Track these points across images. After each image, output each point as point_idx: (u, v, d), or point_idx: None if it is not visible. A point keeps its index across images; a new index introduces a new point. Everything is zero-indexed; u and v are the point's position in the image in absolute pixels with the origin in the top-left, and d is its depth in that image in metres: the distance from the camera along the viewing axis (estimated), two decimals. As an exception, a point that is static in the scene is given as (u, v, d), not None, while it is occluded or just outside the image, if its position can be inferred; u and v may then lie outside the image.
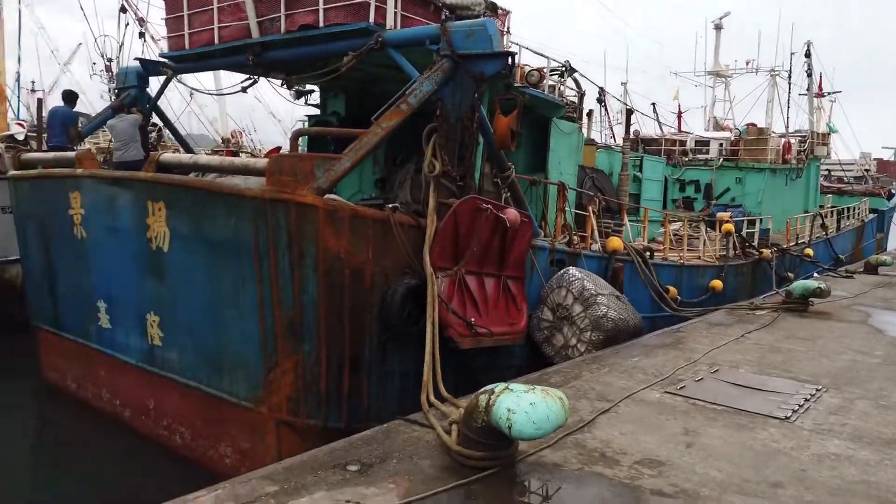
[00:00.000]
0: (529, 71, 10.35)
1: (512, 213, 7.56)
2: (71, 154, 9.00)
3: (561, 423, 4.23)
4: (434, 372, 6.00)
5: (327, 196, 6.49)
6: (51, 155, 9.67)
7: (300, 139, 9.39)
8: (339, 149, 9.45)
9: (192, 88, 10.15)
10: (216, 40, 9.12)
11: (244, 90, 9.67)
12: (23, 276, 10.93)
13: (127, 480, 7.68)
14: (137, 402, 8.36)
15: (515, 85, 8.61)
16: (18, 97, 26.82)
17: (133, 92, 10.47)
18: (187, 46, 9.46)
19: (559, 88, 11.91)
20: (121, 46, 30.40)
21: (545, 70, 10.68)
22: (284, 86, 10.85)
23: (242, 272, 6.64)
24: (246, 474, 4.36)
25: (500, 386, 4.36)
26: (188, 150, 11.99)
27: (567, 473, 4.45)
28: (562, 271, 8.93)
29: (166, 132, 17.34)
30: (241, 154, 25.13)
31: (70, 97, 10.95)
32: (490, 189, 8.91)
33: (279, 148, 16.96)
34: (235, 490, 4.05)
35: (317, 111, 12.58)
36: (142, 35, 27.84)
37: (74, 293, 9.08)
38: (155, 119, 12.02)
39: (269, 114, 40.60)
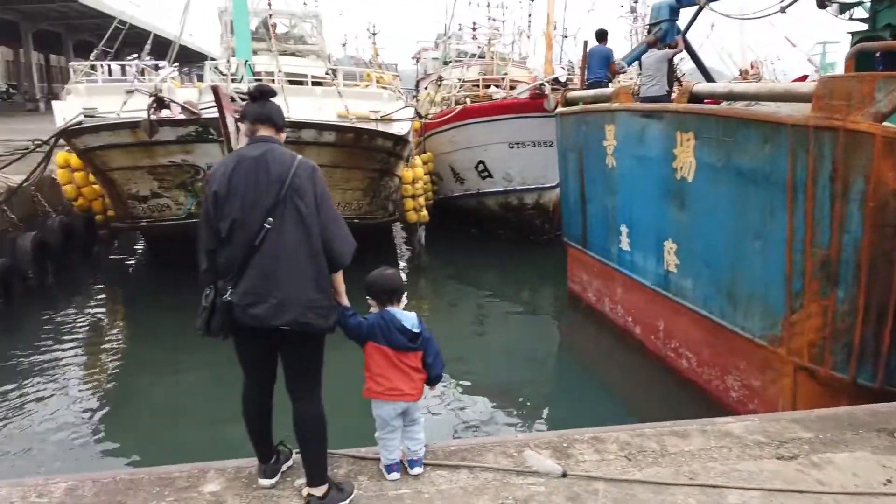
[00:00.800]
0: None
1: None
2: (608, 90, 9.87)
3: None
4: None
5: (885, 123, 5.53)
6: (591, 92, 10.79)
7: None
8: (889, 69, 7.92)
9: (725, 15, 9.78)
10: (756, -43, 8.58)
11: (783, 10, 8.86)
12: (559, 199, 12.77)
13: (635, 394, 8.44)
14: (648, 321, 8.98)
15: None
16: (561, 44, 30.31)
17: (664, 26, 10.72)
18: (722, -30, 9.18)
19: None
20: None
21: None
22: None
23: (772, 204, 6.28)
24: (774, 413, 4.29)
25: None
26: (710, 81, 11.77)
27: None
28: None
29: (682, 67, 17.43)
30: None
31: (602, 35, 11.49)
32: None
33: (805, 76, 15.26)
34: (764, 426, 3.99)
35: (863, 26, 10.71)
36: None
37: (601, 216, 10.15)
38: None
39: (785, 38, 36.69)
